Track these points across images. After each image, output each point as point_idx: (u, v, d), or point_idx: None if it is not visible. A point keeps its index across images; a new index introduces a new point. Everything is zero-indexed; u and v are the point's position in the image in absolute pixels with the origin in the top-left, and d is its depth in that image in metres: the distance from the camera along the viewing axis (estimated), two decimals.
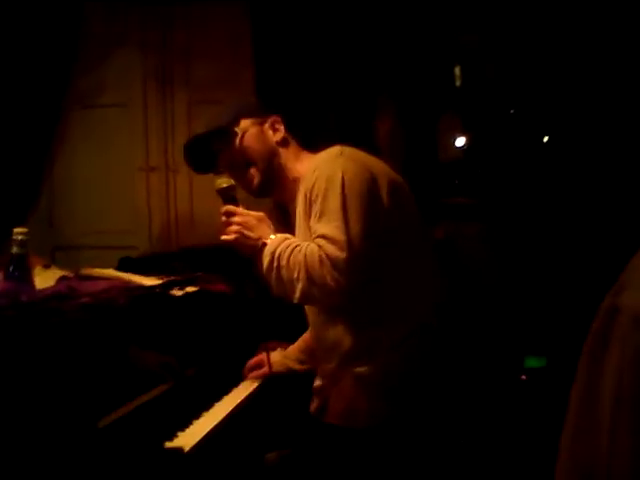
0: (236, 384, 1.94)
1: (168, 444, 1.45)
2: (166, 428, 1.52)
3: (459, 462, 1.62)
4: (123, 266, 2.62)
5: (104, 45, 3.32)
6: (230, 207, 1.65)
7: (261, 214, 1.65)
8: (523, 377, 2.54)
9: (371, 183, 1.56)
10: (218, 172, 1.77)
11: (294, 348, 1.96)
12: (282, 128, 1.77)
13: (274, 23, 3.12)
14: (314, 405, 1.70)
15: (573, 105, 3.14)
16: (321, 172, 1.57)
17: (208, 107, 3.09)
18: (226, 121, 1.76)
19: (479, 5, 3.18)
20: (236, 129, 1.74)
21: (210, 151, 1.77)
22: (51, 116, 3.18)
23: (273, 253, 1.55)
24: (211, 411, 1.71)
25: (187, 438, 1.49)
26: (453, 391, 1.63)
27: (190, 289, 2.07)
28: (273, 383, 1.92)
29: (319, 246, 1.49)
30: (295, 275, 1.50)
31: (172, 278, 2.12)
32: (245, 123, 1.75)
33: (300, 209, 1.64)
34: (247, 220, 1.62)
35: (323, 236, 1.50)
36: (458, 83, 3.32)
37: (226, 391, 1.88)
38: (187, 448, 1.44)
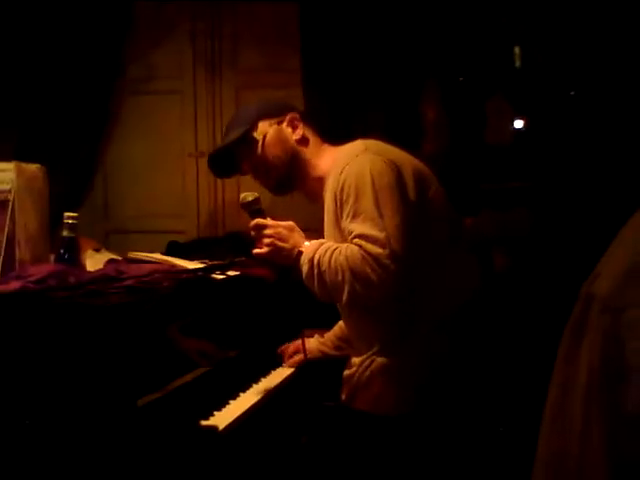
0: (274, 368, 1.98)
1: (204, 422, 1.51)
2: (203, 408, 1.58)
3: (483, 450, 1.62)
4: (170, 250, 2.70)
5: (155, 33, 3.39)
6: (259, 220, 1.65)
7: (291, 223, 1.65)
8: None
9: (398, 176, 1.57)
10: (242, 174, 1.82)
11: (330, 334, 1.98)
12: (300, 125, 1.77)
13: (321, 7, 3.13)
14: (344, 393, 1.72)
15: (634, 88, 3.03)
16: (349, 171, 1.56)
17: (255, 92, 3.14)
18: (245, 128, 1.76)
19: None
20: (255, 135, 1.75)
21: (233, 157, 1.80)
22: (103, 102, 3.28)
23: (312, 260, 1.55)
24: (247, 393, 1.76)
25: (222, 417, 1.55)
26: (479, 383, 1.62)
27: (231, 273, 2.12)
28: (310, 368, 1.95)
29: (359, 246, 1.48)
30: (340, 278, 1.50)
31: (215, 262, 2.18)
32: (263, 126, 1.76)
33: (329, 210, 1.65)
34: (279, 231, 1.62)
35: (361, 236, 1.49)
36: (518, 64, 3.26)
37: (264, 374, 1.93)
38: (222, 427, 1.49)
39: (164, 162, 3.42)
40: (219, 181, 3.39)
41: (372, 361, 1.63)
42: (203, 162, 3.40)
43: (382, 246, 1.46)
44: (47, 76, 3.17)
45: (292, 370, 1.97)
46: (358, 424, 1.62)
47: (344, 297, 1.52)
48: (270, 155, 1.75)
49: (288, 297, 2.25)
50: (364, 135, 1.78)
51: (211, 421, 1.52)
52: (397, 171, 1.57)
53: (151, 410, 1.48)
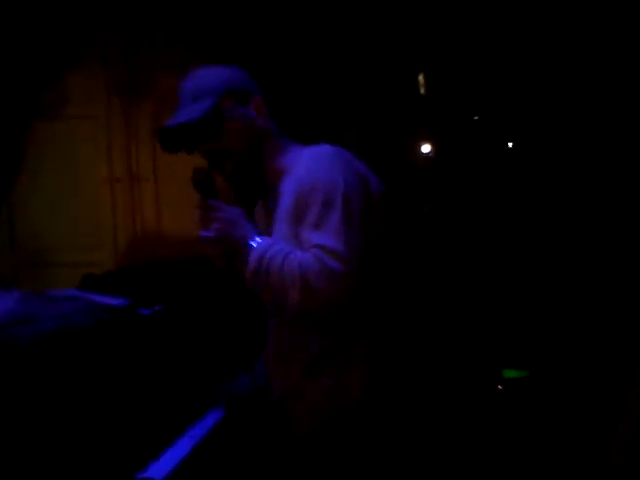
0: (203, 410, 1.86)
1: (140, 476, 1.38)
2: (138, 458, 1.45)
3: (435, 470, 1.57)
4: (86, 284, 2.53)
5: (69, 58, 3.23)
6: (211, 204, 1.51)
7: (241, 210, 1.53)
8: (500, 387, 2.52)
9: (366, 193, 1.50)
10: (189, 152, 1.61)
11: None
12: (266, 112, 1.61)
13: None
14: (277, 421, 1.62)
15: (537, 111, 3.16)
16: (319, 176, 1.46)
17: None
18: (211, 100, 1.54)
19: (436, 14, 3.18)
20: (221, 116, 1.55)
21: (188, 131, 1.57)
22: (17, 130, 3.09)
23: (262, 257, 1.44)
24: (186, 436, 1.64)
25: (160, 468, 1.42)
26: (428, 400, 1.58)
27: (159, 307, 2.00)
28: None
29: (317, 257, 1.40)
30: (288, 284, 1.41)
31: (139, 296, 2.05)
32: (229, 103, 1.56)
33: (285, 207, 1.51)
34: (230, 217, 1.49)
35: (322, 247, 1.41)
36: (422, 91, 3.32)
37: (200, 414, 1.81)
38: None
39: (77, 189, 3.25)
40: (137, 207, 3.24)
41: (307, 384, 1.53)
42: (119, 188, 3.28)
43: (341, 262, 1.39)
44: None
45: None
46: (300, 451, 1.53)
47: (289, 304, 1.43)
48: (232, 138, 1.57)
49: (219, 327, 2.15)
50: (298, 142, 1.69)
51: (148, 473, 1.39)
52: (366, 188, 1.51)
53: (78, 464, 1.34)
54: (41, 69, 3.14)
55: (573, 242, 3.01)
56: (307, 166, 1.49)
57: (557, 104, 3.13)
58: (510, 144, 3.33)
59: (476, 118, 3.33)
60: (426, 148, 3.34)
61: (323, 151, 1.52)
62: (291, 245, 1.47)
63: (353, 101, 3.14)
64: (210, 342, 2.14)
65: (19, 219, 3.24)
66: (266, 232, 1.56)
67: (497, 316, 2.90)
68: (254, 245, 1.46)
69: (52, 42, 3.17)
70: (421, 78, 3.31)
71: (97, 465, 1.39)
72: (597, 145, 3.04)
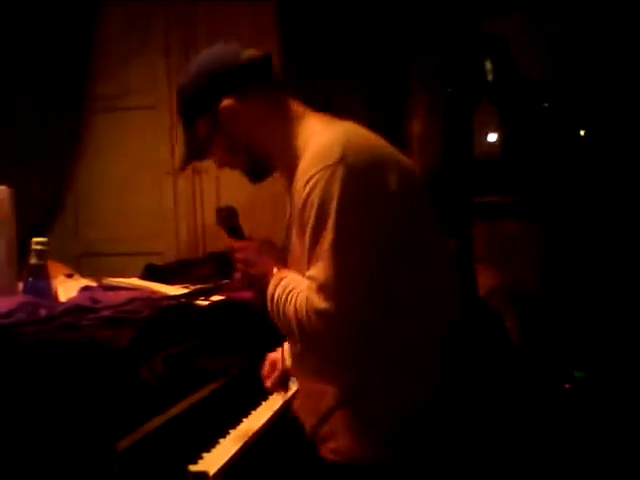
0: (265, 399, 1.84)
1: (192, 467, 1.37)
2: (190, 450, 1.44)
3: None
4: (148, 274, 2.56)
5: (127, 48, 3.28)
6: (230, 242, 1.47)
7: (262, 241, 1.45)
8: (567, 386, 2.42)
9: (376, 187, 1.30)
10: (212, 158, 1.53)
11: None
12: (243, 109, 1.42)
13: (301, 22, 3.03)
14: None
15: (610, 97, 3.01)
16: (315, 184, 1.28)
17: None
18: (188, 136, 1.48)
19: None
20: (200, 153, 1.49)
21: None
22: (73, 122, 3.16)
23: (272, 298, 1.36)
24: (238, 429, 1.62)
25: (212, 461, 1.41)
26: (471, 420, 1.44)
27: (216, 298, 1.99)
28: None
29: (307, 296, 1.27)
30: (291, 327, 1.32)
31: (198, 287, 2.05)
32: (202, 125, 1.45)
33: (294, 215, 1.38)
34: (247, 256, 1.43)
35: (312, 278, 1.27)
36: (490, 77, 3.21)
37: (254, 406, 1.79)
38: (212, 472, 1.35)
39: (139, 180, 3.29)
40: (199, 199, 3.26)
41: (331, 415, 1.38)
42: (181, 180, 3.31)
43: (328, 298, 1.24)
44: (10, 94, 3.04)
45: (281, 401, 1.82)
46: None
47: (300, 347, 1.38)
48: (224, 155, 1.48)
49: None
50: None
51: (200, 465, 1.38)
52: (376, 180, 1.30)
53: (133, 455, 1.34)
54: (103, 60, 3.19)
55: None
56: (306, 168, 1.31)
57: (631, 89, 2.97)
58: (582, 132, 3.20)
59: (546, 105, 3.21)
60: (492, 137, 3.23)
61: (327, 147, 1.31)
62: (301, 264, 1.34)
63: (417, 90, 3.06)
64: (265, 333, 2.12)
65: (83, 209, 3.31)
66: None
67: (568, 316, 2.78)
68: (269, 281, 1.38)
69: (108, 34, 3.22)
70: (488, 64, 3.20)
71: (150, 458, 1.38)
72: None
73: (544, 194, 3.01)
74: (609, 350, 2.63)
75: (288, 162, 1.42)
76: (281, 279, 1.37)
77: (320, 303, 1.25)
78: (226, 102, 1.42)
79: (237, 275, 1.48)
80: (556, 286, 2.85)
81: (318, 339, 1.28)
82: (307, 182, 1.29)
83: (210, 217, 3.28)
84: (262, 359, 1.77)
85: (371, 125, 1.47)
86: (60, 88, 3.09)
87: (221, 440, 1.54)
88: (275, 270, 1.40)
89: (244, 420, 1.69)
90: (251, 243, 1.46)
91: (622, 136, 3.00)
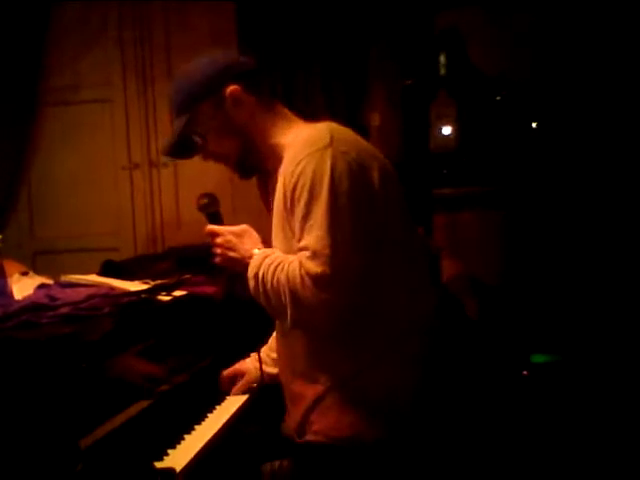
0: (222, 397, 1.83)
1: (158, 464, 1.35)
2: (155, 446, 1.42)
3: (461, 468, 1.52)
4: (106, 270, 2.51)
5: (81, 41, 3.21)
6: (210, 227, 1.53)
7: (242, 227, 1.50)
8: (525, 372, 2.47)
9: (362, 179, 1.38)
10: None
11: (266, 349, 1.79)
12: (246, 97, 1.52)
13: (259, 13, 3.02)
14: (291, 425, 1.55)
15: (562, 90, 3.08)
16: (305, 167, 1.36)
17: None
18: (185, 117, 1.53)
19: None
20: (195, 138, 1.54)
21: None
22: (23, 115, 3.07)
23: (256, 276, 1.40)
24: (203, 425, 1.61)
25: (178, 457, 1.39)
26: (451, 399, 1.51)
27: (178, 293, 1.96)
28: (265, 391, 1.81)
29: (300, 263, 1.32)
30: (282, 299, 1.35)
31: (158, 282, 2.02)
32: (204, 110, 1.52)
33: (279, 201, 1.44)
34: (228, 239, 1.49)
35: (304, 249, 1.33)
36: (443, 71, 3.25)
37: (219, 401, 1.78)
38: (179, 468, 1.34)
39: (95, 176, 3.23)
40: (156, 194, 3.22)
41: (324, 397, 1.43)
42: (138, 174, 3.25)
43: (323, 264, 1.30)
44: None
45: (245, 396, 1.81)
46: (314, 455, 1.44)
47: (288, 320, 1.37)
48: (217, 142, 1.56)
49: (237, 316, 2.11)
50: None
51: (166, 462, 1.36)
52: (362, 173, 1.38)
53: (97, 452, 1.32)
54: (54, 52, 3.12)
55: (602, 226, 2.93)
56: (298, 155, 1.39)
57: (583, 83, 3.04)
58: (534, 124, 3.26)
59: (498, 98, 3.26)
60: (447, 130, 3.27)
61: (319, 134, 1.41)
62: (287, 242, 1.41)
63: (376, 82, 3.08)
64: (228, 328, 2.11)
65: (37, 206, 3.23)
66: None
67: (525, 300, 2.84)
68: (249, 262, 1.43)
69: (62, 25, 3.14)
70: (442, 58, 3.24)
71: (115, 455, 1.36)
72: (625, 131, 2.95)
73: (499, 184, 3.07)
74: (569, 335, 2.69)
75: (274, 159, 1.52)
76: (265, 257, 1.42)
77: (315, 268, 1.30)
78: (232, 87, 1.51)
79: (217, 260, 1.52)
80: (514, 273, 2.91)
81: (310, 306, 1.32)
82: (298, 164, 1.37)
83: (168, 212, 3.24)
84: (226, 354, 1.76)
85: (331, 117, 1.53)
86: (12, 82, 3.00)
87: (186, 436, 1.52)
88: (256, 250, 1.45)
89: (209, 416, 1.68)
90: (232, 228, 1.51)
91: (574, 127, 3.07)
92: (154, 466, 1.34)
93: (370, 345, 1.42)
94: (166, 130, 3.13)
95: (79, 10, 3.20)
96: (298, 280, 1.32)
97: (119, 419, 1.45)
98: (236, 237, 1.49)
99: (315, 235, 1.32)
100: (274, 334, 1.73)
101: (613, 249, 2.90)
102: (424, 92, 3.12)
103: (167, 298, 1.88)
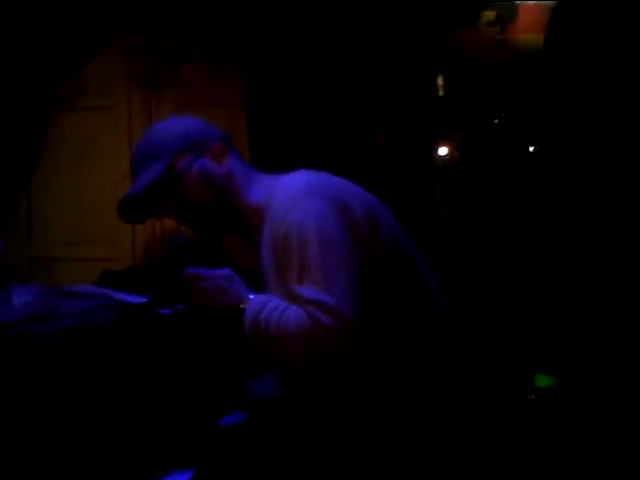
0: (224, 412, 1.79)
1: None
2: None
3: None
4: (105, 280, 2.47)
5: (87, 48, 3.19)
6: (192, 274, 1.46)
7: (227, 271, 1.46)
8: (532, 397, 2.43)
9: (346, 220, 1.39)
10: (158, 217, 1.61)
11: None
12: (226, 155, 1.54)
13: (263, 28, 3.01)
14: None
15: (560, 113, 3.08)
16: (291, 221, 1.37)
17: (196, 110, 2.96)
18: (164, 162, 1.50)
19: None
20: (176, 172, 1.51)
21: (147, 199, 1.57)
22: (35, 123, 3.05)
23: (257, 322, 1.37)
24: None
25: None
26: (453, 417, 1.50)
27: (180, 306, 1.92)
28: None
29: (311, 315, 1.30)
30: (292, 348, 1.33)
31: (159, 294, 1.98)
32: (183, 160, 1.51)
33: (269, 258, 1.45)
34: (216, 284, 1.44)
35: (311, 302, 1.31)
36: (441, 93, 3.25)
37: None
38: None
39: (96, 184, 3.19)
40: None
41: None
42: None
43: (337, 317, 1.29)
44: None
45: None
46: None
47: (296, 367, 1.37)
48: (194, 193, 1.52)
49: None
50: (310, 159, 1.62)
51: None
52: (345, 214, 1.40)
53: None
54: (57, 59, 3.09)
55: (601, 248, 2.92)
56: (282, 210, 1.41)
57: (581, 106, 3.04)
58: (531, 148, 3.26)
59: (496, 121, 3.26)
60: (443, 150, 3.27)
61: (295, 185, 1.45)
62: (281, 295, 1.39)
63: (381, 103, 3.08)
64: (231, 342, 2.07)
65: (36, 212, 3.20)
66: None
67: (523, 322, 2.81)
68: (246, 307, 1.39)
69: (68, 31, 3.13)
70: (440, 80, 3.24)
71: (114, 467, 1.32)
72: (623, 154, 2.95)
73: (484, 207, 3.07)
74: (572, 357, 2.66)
75: (253, 215, 1.52)
76: (265, 302, 1.38)
77: (328, 320, 1.29)
78: (216, 143, 1.53)
79: (198, 304, 1.48)
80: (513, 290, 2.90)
81: (322, 356, 1.32)
82: (283, 218, 1.39)
83: (168, 222, 3.20)
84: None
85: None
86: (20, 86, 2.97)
87: None
88: (251, 296, 1.42)
89: None
90: (221, 272, 1.46)
91: (572, 153, 3.06)
92: None
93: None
94: None
95: (87, 17, 3.17)
96: (312, 333, 1.30)
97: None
98: (225, 281, 1.44)
99: (317, 287, 1.32)
100: None
101: (613, 269, 2.88)
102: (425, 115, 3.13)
103: (169, 310, 1.84)
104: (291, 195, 1.42)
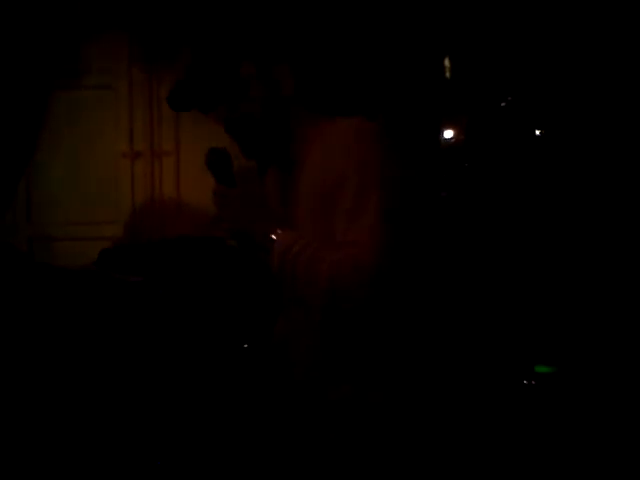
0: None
1: None
2: None
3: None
4: (103, 259, 2.47)
5: (88, 28, 3.16)
6: (225, 186, 1.39)
7: (260, 194, 1.41)
8: (528, 382, 2.42)
9: (406, 176, 1.37)
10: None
11: None
12: (291, 79, 1.49)
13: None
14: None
15: (566, 97, 3.04)
16: (354, 155, 1.32)
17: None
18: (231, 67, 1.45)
19: None
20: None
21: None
22: (36, 103, 3.02)
23: (285, 255, 1.32)
24: None
25: None
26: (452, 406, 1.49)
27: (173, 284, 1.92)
28: None
29: (348, 254, 1.26)
30: (318, 284, 1.28)
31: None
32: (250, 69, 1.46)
33: (316, 183, 1.37)
34: (244, 204, 1.37)
35: (356, 244, 1.27)
36: (448, 75, 3.21)
37: None
38: None
39: (96, 163, 3.18)
40: (157, 183, 3.17)
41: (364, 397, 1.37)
42: (138, 163, 3.20)
43: (375, 255, 1.25)
44: None
45: None
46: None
47: (319, 303, 1.31)
48: (252, 104, 1.45)
49: None
50: None
51: None
52: (404, 169, 1.38)
53: None
54: (58, 39, 3.07)
55: (605, 235, 2.89)
56: (340, 140, 1.35)
57: (586, 92, 3.00)
58: (537, 132, 3.22)
59: (503, 104, 3.22)
60: (448, 134, 3.24)
61: (359, 126, 1.38)
62: (315, 230, 1.34)
63: (386, 85, 3.05)
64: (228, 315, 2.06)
65: (36, 191, 3.18)
66: (283, 207, 1.43)
67: (525, 310, 2.79)
68: (274, 239, 1.34)
69: (69, 11, 3.10)
70: (447, 62, 3.20)
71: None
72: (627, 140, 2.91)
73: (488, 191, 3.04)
74: (571, 345, 2.65)
75: (297, 146, 1.43)
76: (295, 239, 1.33)
77: (366, 260, 1.24)
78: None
79: (218, 221, 1.40)
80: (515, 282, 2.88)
81: (352, 298, 1.26)
82: (345, 147, 1.32)
83: (169, 202, 3.19)
84: None
85: None
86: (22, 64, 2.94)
87: None
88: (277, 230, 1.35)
89: None
90: (254, 190, 1.40)
91: (578, 135, 3.03)
92: None
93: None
94: (170, 119, 3.12)
95: None
96: (345, 271, 1.26)
97: None
98: (256, 203, 1.38)
99: (365, 227, 1.27)
100: None
101: (616, 257, 2.85)
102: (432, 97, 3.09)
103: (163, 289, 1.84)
104: (358, 131, 1.36)
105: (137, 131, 3.19)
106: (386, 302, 1.35)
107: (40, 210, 3.18)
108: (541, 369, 2.45)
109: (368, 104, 2.79)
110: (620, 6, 2.87)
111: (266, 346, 1.61)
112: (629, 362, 2.55)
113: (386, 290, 1.30)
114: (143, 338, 1.75)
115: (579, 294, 2.78)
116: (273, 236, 1.34)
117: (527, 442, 2.18)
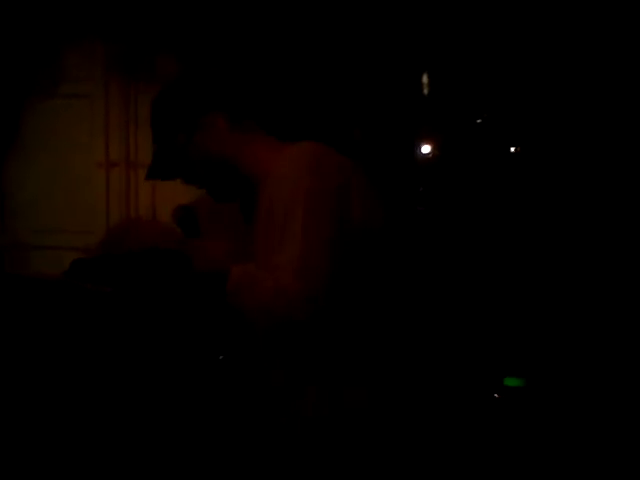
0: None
1: None
2: None
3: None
4: (74, 270, 2.45)
5: (66, 36, 3.15)
6: (190, 240, 1.54)
7: (222, 246, 1.53)
8: (496, 395, 2.45)
9: (341, 194, 1.40)
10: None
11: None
12: (227, 122, 1.56)
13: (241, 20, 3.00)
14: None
15: (541, 115, 3.10)
16: (285, 185, 1.40)
17: None
18: (163, 150, 1.58)
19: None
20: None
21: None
22: (11, 110, 3.01)
23: (233, 290, 1.38)
24: None
25: None
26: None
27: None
28: None
29: (274, 280, 1.32)
30: (259, 309, 1.35)
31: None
32: (180, 139, 1.57)
33: (265, 212, 1.47)
34: (209, 256, 1.48)
35: (279, 267, 1.33)
36: (426, 91, 3.26)
37: None
38: None
39: (71, 172, 3.16)
40: (132, 194, 3.16)
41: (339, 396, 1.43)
42: (114, 173, 3.18)
43: (298, 278, 1.30)
44: None
45: None
46: None
47: (260, 330, 1.42)
48: (197, 166, 1.57)
49: None
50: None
51: None
52: (342, 187, 1.41)
53: None
54: (36, 46, 3.06)
55: (575, 249, 2.94)
56: (277, 174, 1.43)
57: (563, 108, 3.07)
58: (512, 149, 3.28)
59: (479, 121, 3.27)
60: (426, 149, 3.28)
61: (297, 155, 1.45)
62: (266, 262, 1.39)
63: (360, 99, 3.08)
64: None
65: (8, 199, 3.16)
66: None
67: (496, 322, 2.83)
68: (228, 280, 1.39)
69: (47, 17, 3.09)
70: (425, 78, 3.25)
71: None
72: (603, 155, 2.97)
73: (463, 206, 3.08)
74: (541, 359, 2.69)
75: (258, 177, 1.52)
76: (243, 271, 1.39)
77: (289, 283, 1.29)
78: (215, 116, 1.54)
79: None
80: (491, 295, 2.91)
81: (283, 323, 1.32)
82: (281, 179, 1.40)
83: (144, 214, 3.18)
84: None
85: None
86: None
87: None
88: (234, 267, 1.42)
89: None
90: (217, 243, 1.52)
91: (553, 153, 3.09)
92: None
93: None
94: (146, 130, 3.12)
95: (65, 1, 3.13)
96: (272, 294, 1.31)
97: None
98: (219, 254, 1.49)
99: (290, 253, 1.32)
100: None
101: (594, 271, 2.91)
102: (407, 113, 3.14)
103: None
104: (292, 160, 1.44)
105: (113, 141, 3.18)
106: (339, 316, 1.39)
107: (13, 219, 3.16)
108: (510, 382, 2.48)
109: (317, 127, 2.85)
110: (594, 27, 2.94)
111: (241, 357, 1.64)
112: (610, 372, 2.60)
113: (332, 307, 1.34)
114: (115, 349, 1.74)
115: (551, 307, 2.83)
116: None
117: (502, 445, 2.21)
